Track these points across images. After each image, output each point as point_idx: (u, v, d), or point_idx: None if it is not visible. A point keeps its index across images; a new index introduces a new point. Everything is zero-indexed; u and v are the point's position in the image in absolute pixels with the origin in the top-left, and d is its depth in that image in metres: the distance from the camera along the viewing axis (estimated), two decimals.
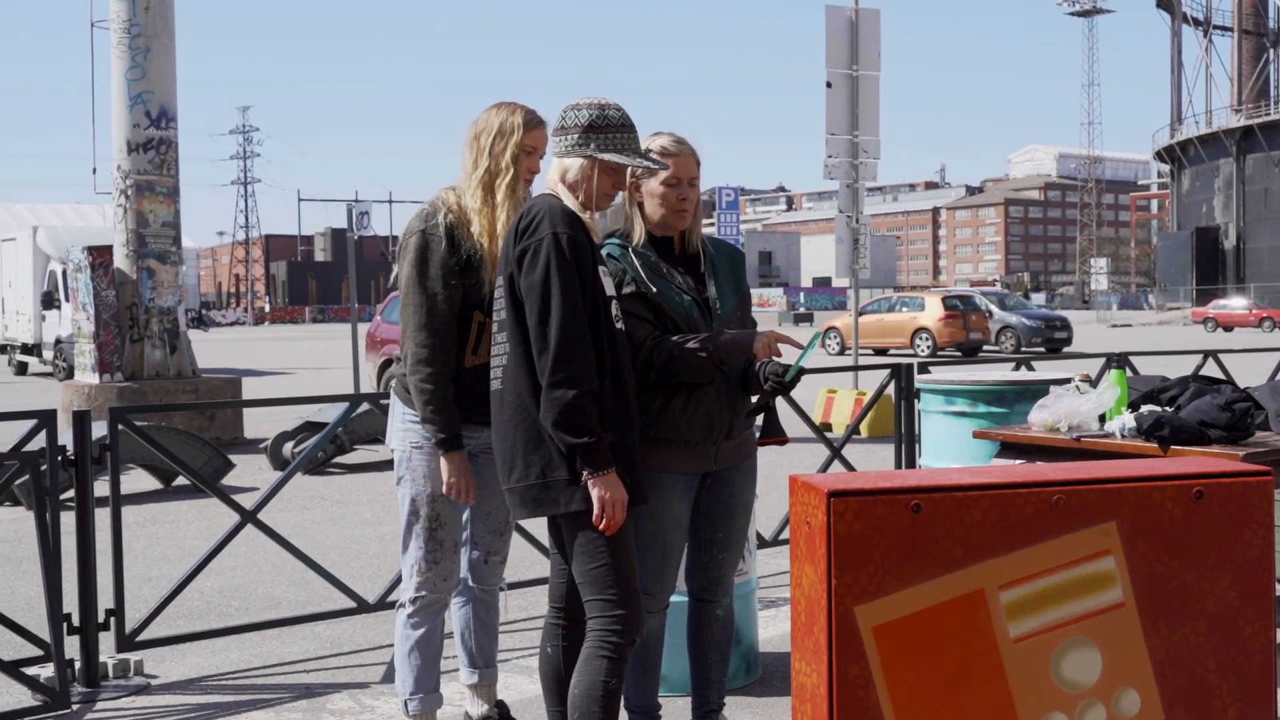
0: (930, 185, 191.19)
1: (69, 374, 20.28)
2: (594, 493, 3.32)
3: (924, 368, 7.40)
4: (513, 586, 5.09)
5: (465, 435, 3.92)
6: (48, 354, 25.27)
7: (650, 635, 3.90)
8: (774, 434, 3.82)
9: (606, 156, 3.49)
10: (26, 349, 26.78)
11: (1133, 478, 2.87)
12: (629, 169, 3.62)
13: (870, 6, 14.38)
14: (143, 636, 5.27)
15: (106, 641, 5.19)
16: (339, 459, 11.95)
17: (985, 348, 31.29)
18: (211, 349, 36.34)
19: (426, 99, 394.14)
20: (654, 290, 3.71)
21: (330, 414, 12.33)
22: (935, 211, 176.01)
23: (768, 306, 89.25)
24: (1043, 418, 5.04)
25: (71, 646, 5.01)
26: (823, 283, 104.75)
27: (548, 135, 3.88)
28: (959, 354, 29.88)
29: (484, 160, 3.89)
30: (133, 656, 5.21)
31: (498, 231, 3.84)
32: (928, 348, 30.08)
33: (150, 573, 7.29)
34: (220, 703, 4.87)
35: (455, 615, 4.25)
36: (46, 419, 4.93)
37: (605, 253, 3.73)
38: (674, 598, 4.63)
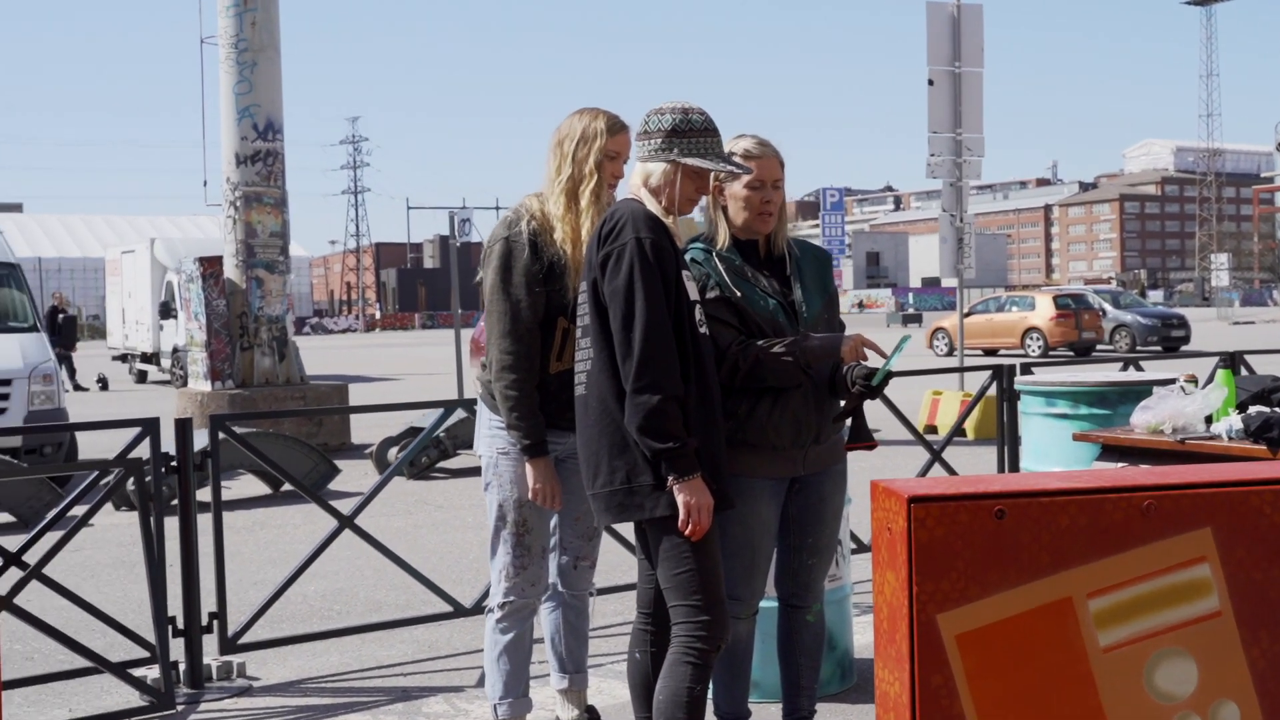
0: (1042, 182, 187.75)
1: (185, 382, 20.84)
2: (679, 498, 3.31)
3: (1026, 369, 7.27)
4: (603, 592, 5.10)
5: (551, 441, 3.94)
6: (165, 362, 25.97)
7: (739, 641, 3.88)
8: (862, 439, 3.77)
9: (690, 161, 3.48)
10: (146, 358, 27.56)
11: (1229, 482, 2.78)
12: (712, 173, 3.61)
13: (973, 2, 14.16)
14: (245, 639, 5.38)
15: (211, 644, 5.31)
16: (443, 464, 12.09)
17: (1099, 347, 30.62)
18: (323, 356, 37.06)
19: (534, 105, 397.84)
20: (738, 294, 3.70)
21: (433, 418, 12.49)
22: (1047, 209, 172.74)
23: (875, 308, 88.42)
24: (1145, 419, 4.91)
25: (177, 649, 5.14)
26: (931, 283, 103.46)
27: (631, 140, 3.88)
28: (1071, 354, 29.28)
29: (567, 166, 3.91)
30: (235, 659, 5.32)
31: (581, 238, 3.86)
32: (1039, 348, 29.53)
33: (257, 576, 7.44)
34: (319, 705, 4.96)
35: (545, 620, 4.27)
36: (150, 427, 5.05)
37: (689, 258, 3.74)
38: (764, 603, 4.61)
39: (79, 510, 5.02)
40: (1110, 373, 6.52)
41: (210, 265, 13.62)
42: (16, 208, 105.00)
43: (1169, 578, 2.75)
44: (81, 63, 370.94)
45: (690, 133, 3.50)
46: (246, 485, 11.12)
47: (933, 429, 13.67)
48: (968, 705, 2.70)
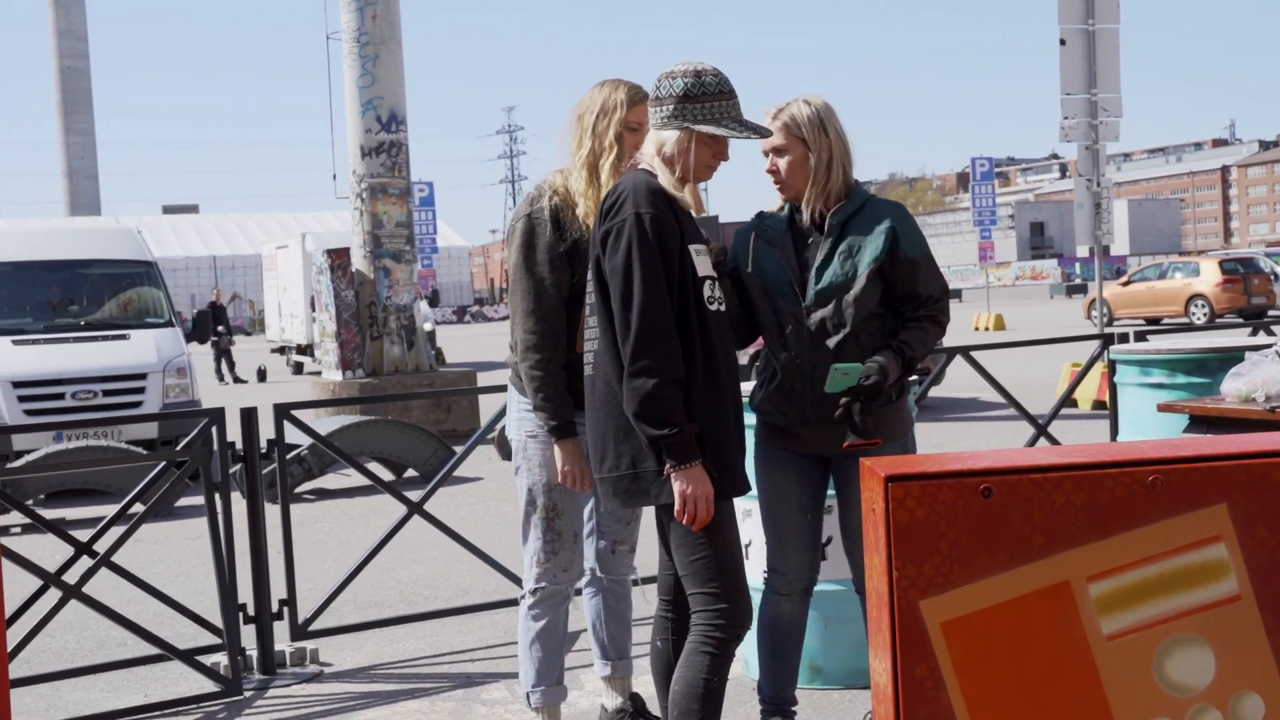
0: (1219, 143, 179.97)
1: None
2: (675, 486, 3.18)
3: (1141, 336, 6.90)
4: (648, 579, 4.98)
5: (580, 422, 3.84)
6: (319, 353, 26.66)
7: (781, 619, 3.78)
8: (861, 436, 3.58)
9: (702, 128, 3.34)
10: (301, 349, 28.36)
11: (1247, 454, 2.53)
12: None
13: None
14: (318, 626, 5.42)
15: (284, 632, 5.37)
16: None
17: (1270, 312, 29.18)
18: (480, 344, 37.64)
19: None
20: (737, 265, 3.75)
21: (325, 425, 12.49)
22: (1225, 170, 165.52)
23: (1041, 279, 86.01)
24: (1236, 387, 4.59)
25: (250, 637, 5.20)
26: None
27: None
28: (1240, 320, 27.97)
29: (588, 140, 3.81)
30: (310, 644, 5.37)
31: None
32: (1204, 315, 28.30)
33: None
34: (383, 691, 4.97)
35: (587, 606, 4.19)
36: (216, 416, 5.12)
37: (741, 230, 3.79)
38: (828, 585, 4.45)
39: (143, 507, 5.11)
40: (1210, 337, 6.13)
41: (338, 257, 13.89)
42: (193, 209, 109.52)
43: (1180, 559, 2.52)
44: (226, 66, 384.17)
45: (703, 97, 3.35)
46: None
47: (1073, 402, 13.19)
48: (956, 696, 2.51)
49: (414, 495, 5.76)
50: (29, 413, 10.93)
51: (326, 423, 10.66)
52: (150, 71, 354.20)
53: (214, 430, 5.09)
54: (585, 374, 3.41)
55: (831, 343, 3.63)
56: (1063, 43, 13.42)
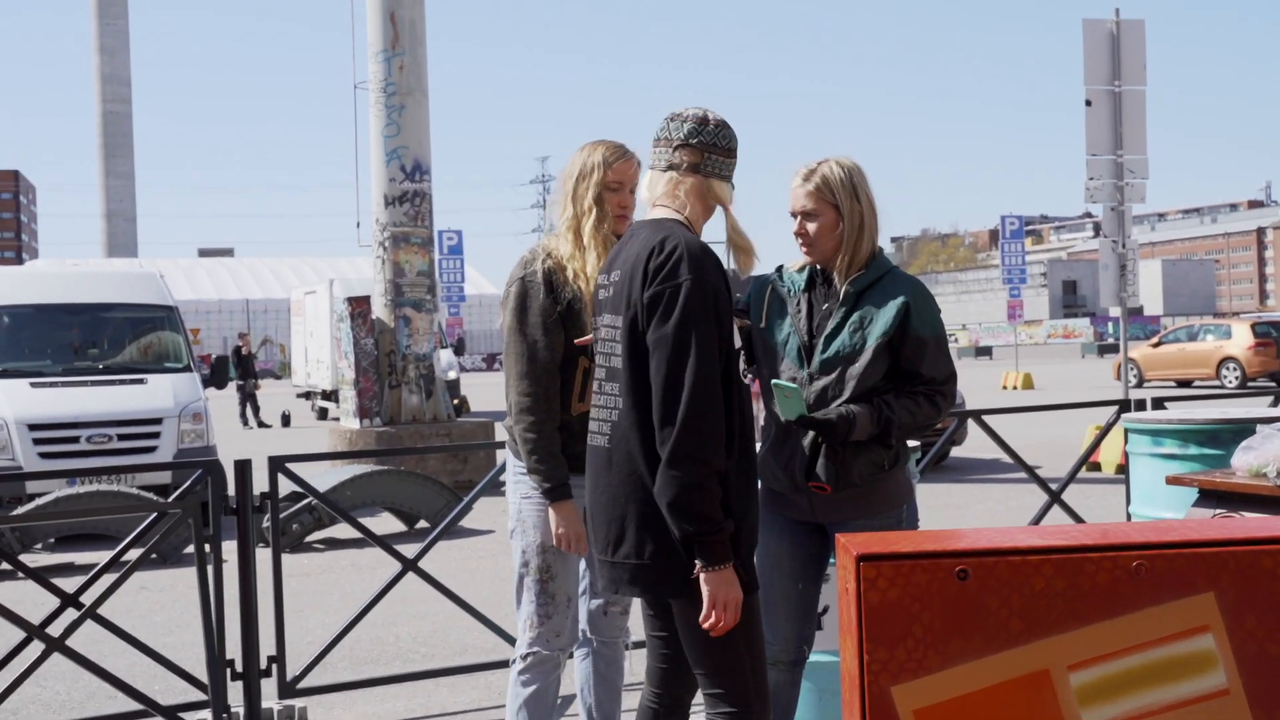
0: (1254, 204, 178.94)
1: None
2: (705, 589, 2.93)
3: (1159, 403, 6.78)
4: (640, 644, 4.86)
5: (575, 484, 3.76)
6: (339, 400, 26.68)
7: (773, 692, 3.64)
8: (813, 477, 3.53)
9: (716, 184, 3.18)
10: (326, 395, 28.38)
11: (1235, 540, 2.43)
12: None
13: (1133, 18, 13.50)
14: (306, 684, 5.33)
15: (271, 689, 5.28)
16: None
17: None
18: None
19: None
20: (759, 323, 3.69)
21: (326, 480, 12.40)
22: (1260, 232, 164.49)
23: (1073, 338, 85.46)
24: (1247, 461, 4.45)
25: (236, 693, 5.12)
26: (1133, 312, 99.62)
27: (636, 166, 3.71)
28: (1273, 384, 27.62)
29: (569, 205, 3.80)
30: (299, 703, 5.27)
31: (588, 274, 3.70)
32: (1235, 379, 27.97)
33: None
34: None
35: (576, 669, 4.09)
36: (211, 468, 5.07)
37: (759, 282, 3.75)
38: (822, 657, 4.33)
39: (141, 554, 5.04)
40: (1224, 408, 5.99)
41: (358, 305, 13.89)
42: (228, 252, 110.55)
43: (1165, 649, 2.41)
44: (260, 113, 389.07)
45: (726, 152, 3.21)
46: (387, 523, 11.20)
47: (1097, 466, 13.00)
48: None
49: (445, 544, 5.65)
50: (44, 455, 10.93)
51: (339, 472, 10.61)
52: (186, 116, 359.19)
53: (208, 481, 5.03)
54: (595, 444, 3.16)
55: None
56: (1089, 103, 13.34)
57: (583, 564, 3.99)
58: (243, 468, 5.10)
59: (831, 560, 3.78)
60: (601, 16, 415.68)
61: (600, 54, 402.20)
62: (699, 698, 3.18)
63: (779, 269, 3.79)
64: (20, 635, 4.75)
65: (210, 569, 5.00)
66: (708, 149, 3.15)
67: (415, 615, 7.12)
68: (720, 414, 2.94)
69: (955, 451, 15.21)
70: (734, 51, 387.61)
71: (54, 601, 4.88)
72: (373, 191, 14.19)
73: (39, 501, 9.41)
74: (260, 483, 5.24)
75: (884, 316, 3.54)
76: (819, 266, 3.68)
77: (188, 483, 5.11)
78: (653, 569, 3.01)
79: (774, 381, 3.48)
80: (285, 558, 9.85)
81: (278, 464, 5.24)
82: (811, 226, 3.60)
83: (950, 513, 11.14)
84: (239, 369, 26.35)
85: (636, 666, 4.27)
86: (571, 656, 4.08)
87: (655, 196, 3.19)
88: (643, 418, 2.98)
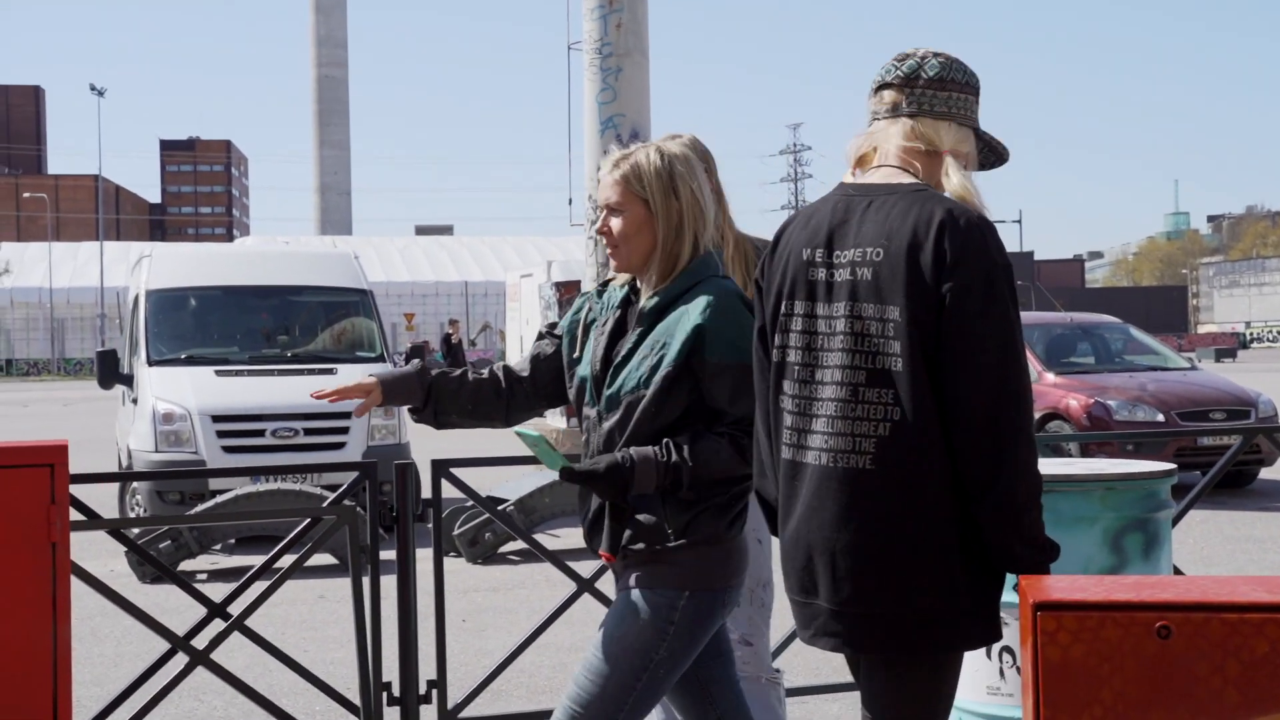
0: None
1: None
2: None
3: None
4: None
5: None
6: None
7: None
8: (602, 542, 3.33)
9: (987, 135, 3.06)
10: None
11: None
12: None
13: None
14: (472, 712, 5.44)
15: (430, 715, 5.41)
16: None
17: None
18: None
19: (1022, 117, 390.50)
20: (572, 354, 3.47)
21: (510, 488, 12.35)
22: None
23: None
24: None
25: (392, 718, 5.27)
26: None
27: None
28: None
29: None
30: None
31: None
32: None
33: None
34: None
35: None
36: (368, 471, 5.22)
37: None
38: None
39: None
40: None
41: (567, 291, 14.18)
42: (447, 230, 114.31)
43: None
44: (473, 82, 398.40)
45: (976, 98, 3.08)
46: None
47: None
48: None
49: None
50: (227, 449, 11.50)
51: (536, 478, 10.81)
52: (399, 81, 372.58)
53: (365, 486, 5.19)
54: (845, 464, 2.85)
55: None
56: None
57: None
58: (403, 472, 5.24)
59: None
60: None
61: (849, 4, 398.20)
62: None
63: (601, 285, 3.54)
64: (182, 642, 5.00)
65: (368, 582, 5.16)
66: (974, 93, 3.05)
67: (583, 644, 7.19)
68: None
69: (1265, 474, 14.46)
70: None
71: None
72: (585, 164, 14.40)
73: (219, 499, 9.93)
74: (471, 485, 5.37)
75: (677, 339, 3.22)
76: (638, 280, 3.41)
77: (345, 485, 5.27)
78: (923, 623, 2.83)
79: (515, 429, 3.32)
80: (475, 570, 10.14)
81: (441, 468, 5.36)
82: (615, 223, 3.32)
83: (1249, 547, 10.59)
84: (448, 358, 27.21)
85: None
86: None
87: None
88: (932, 433, 2.79)
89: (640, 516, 3.20)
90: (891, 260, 2.83)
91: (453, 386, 3.55)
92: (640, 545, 3.20)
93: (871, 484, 2.81)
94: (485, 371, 3.60)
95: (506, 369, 3.59)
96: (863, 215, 2.92)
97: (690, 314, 3.22)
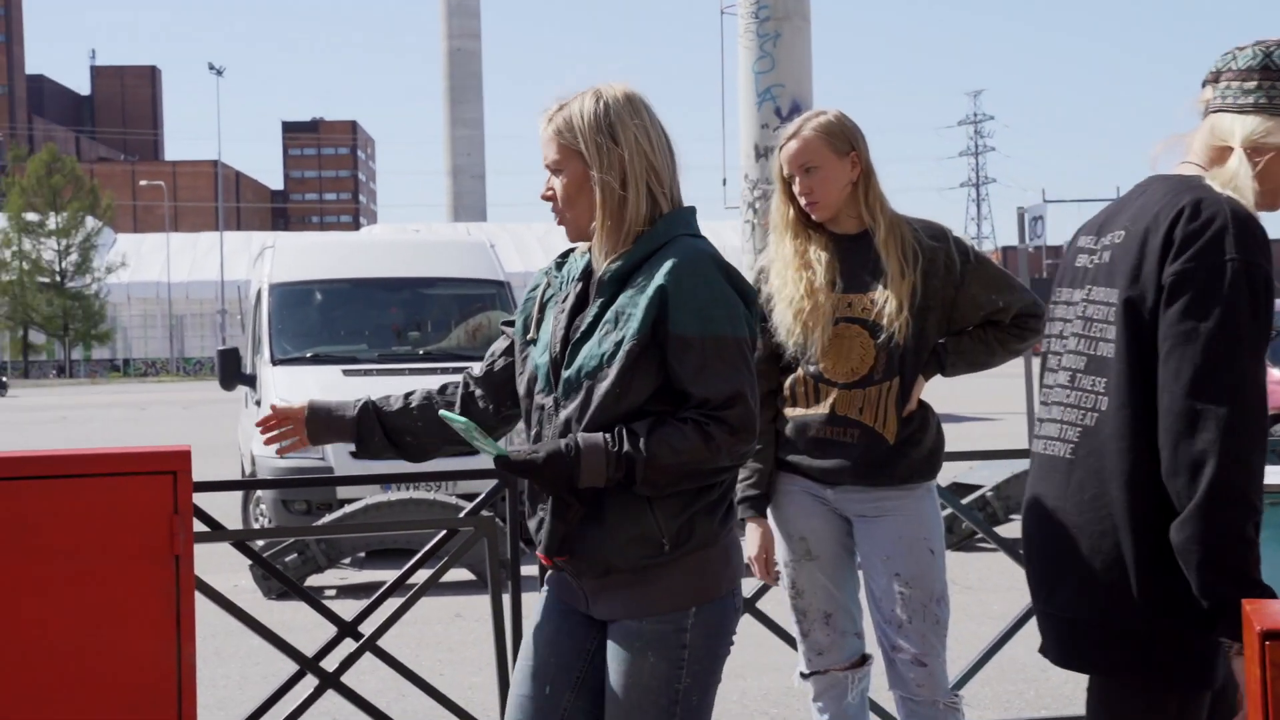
0: None
1: None
2: (1236, 669, 2.74)
3: None
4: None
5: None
6: None
7: None
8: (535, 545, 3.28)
9: None
10: None
11: None
12: None
13: None
14: None
15: None
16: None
17: None
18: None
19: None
20: (525, 336, 3.31)
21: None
22: None
23: None
24: None
25: None
26: None
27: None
28: None
29: None
30: None
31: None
32: None
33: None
34: None
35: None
36: (508, 479, 5.26)
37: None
38: None
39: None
40: None
41: None
42: None
43: None
44: (617, 47, 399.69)
45: None
46: None
47: None
48: None
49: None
50: (356, 455, 11.69)
51: None
52: (535, 56, 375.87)
53: (505, 495, 5.23)
54: (1050, 451, 3.03)
55: None
56: None
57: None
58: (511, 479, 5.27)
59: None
60: None
61: None
62: None
63: (561, 256, 3.39)
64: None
65: (508, 599, 5.21)
66: None
67: (768, 666, 7.17)
68: (1265, 441, 2.76)
69: None
70: None
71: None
72: (741, 140, 14.40)
73: (348, 509, 10.10)
74: None
75: (640, 308, 3.04)
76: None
77: (483, 494, 5.32)
78: (1139, 638, 2.87)
79: (441, 412, 3.25)
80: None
81: None
82: (557, 184, 3.19)
83: None
84: None
85: None
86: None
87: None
88: (1135, 426, 2.84)
89: (623, 529, 3.04)
90: (1127, 244, 2.92)
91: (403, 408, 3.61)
92: (625, 565, 3.06)
93: (1067, 475, 2.95)
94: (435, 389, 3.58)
95: (465, 378, 3.54)
96: (1130, 202, 3.03)
97: (655, 279, 3.03)
